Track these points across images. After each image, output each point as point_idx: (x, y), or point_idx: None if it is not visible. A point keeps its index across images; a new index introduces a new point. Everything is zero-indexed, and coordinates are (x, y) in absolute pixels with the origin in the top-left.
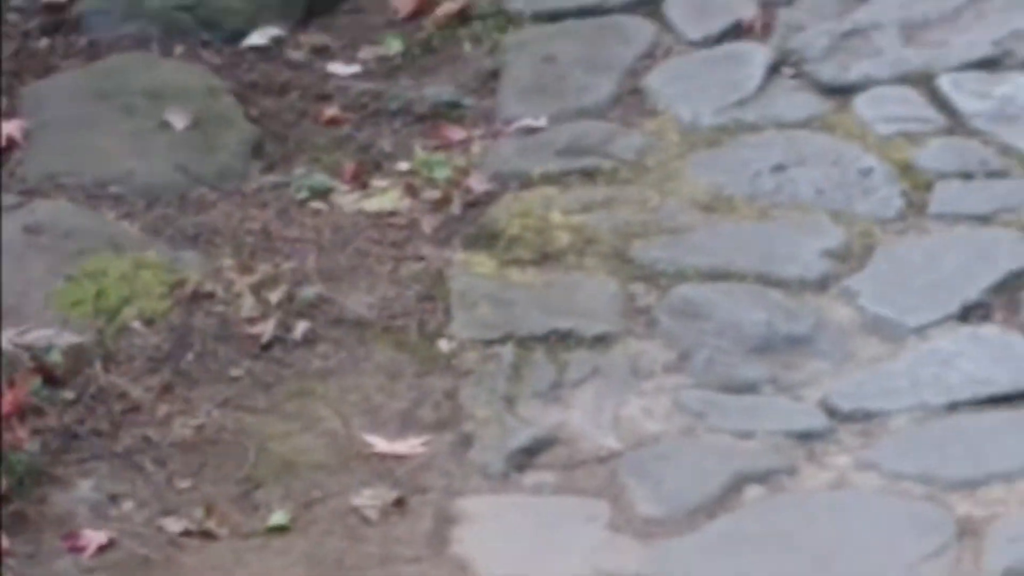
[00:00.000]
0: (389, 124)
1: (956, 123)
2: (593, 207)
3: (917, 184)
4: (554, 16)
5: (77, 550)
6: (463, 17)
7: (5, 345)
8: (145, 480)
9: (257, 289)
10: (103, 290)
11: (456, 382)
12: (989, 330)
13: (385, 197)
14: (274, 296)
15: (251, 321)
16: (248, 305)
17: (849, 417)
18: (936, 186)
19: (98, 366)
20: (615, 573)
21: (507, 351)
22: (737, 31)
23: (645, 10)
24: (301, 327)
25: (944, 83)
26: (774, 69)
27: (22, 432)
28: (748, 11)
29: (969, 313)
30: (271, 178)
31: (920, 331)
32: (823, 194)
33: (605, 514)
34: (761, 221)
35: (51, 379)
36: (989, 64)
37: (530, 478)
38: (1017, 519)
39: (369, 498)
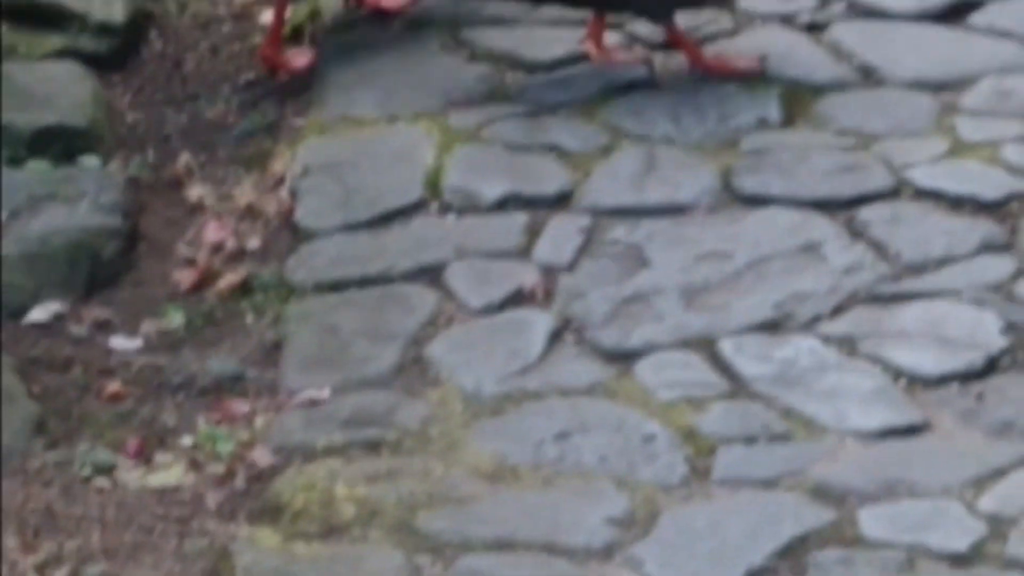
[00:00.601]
0: (172, 398)
1: (738, 387)
2: (378, 479)
3: (700, 449)
4: (336, 286)
5: None
6: (245, 288)
7: None
8: None
9: (41, 569)
10: None
11: None
12: None
13: (169, 472)
14: (58, 575)
15: None
16: None
17: None
18: (719, 451)
19: None
20: None
21: None
22: (519, 298)
23: (427, 278)
24: None
25: (726, 347)
26: (556, 336)
27: None
28: (529, 278)
29: None
30: (54, 455)
31: None
32: (607, 461)
33: None
34: (545, 490)
35: None
36: (770, 327)
37: None
38: None
39: None
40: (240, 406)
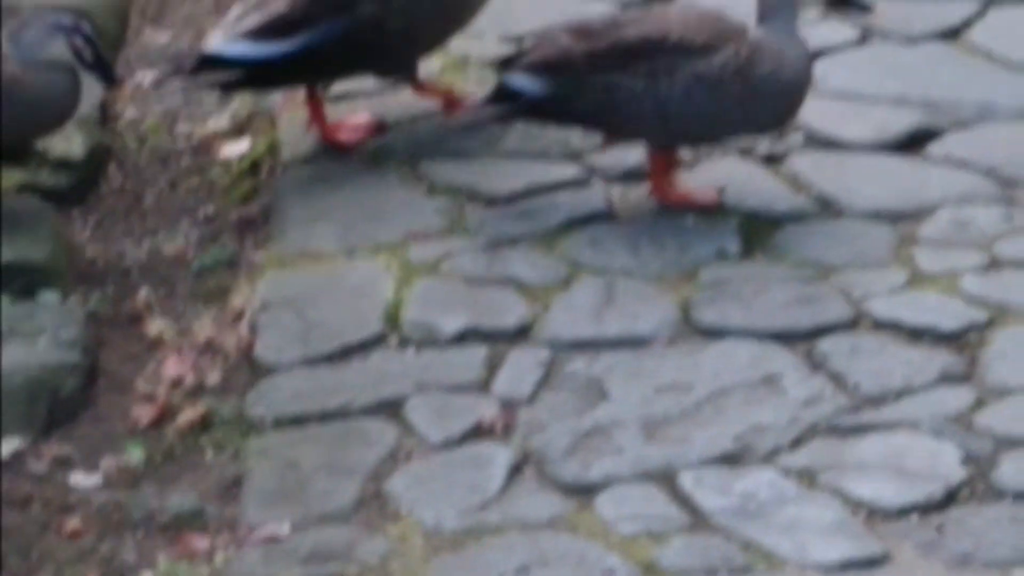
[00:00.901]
0: (132, 534)
1: (698, 520)
2: None
3: None
4: (296, 421)
5: None
6: (205, 424)
7: None
8: None
9: None
10: None
11: None
12: None
13: None
14: None
15: None
16: None
17: None
18: None
19: None
20: None
21: None
22: (478, 432)
23: (387, 412)
24: None
25: (686, 480)
26: (516, 469)
27: None
28: (489, 411)
29: None
30: None
31: None
32: None
33: None
34: None
35: None
36: (730, 459)
37: None
38: None
39: None
40: (200, 542)
